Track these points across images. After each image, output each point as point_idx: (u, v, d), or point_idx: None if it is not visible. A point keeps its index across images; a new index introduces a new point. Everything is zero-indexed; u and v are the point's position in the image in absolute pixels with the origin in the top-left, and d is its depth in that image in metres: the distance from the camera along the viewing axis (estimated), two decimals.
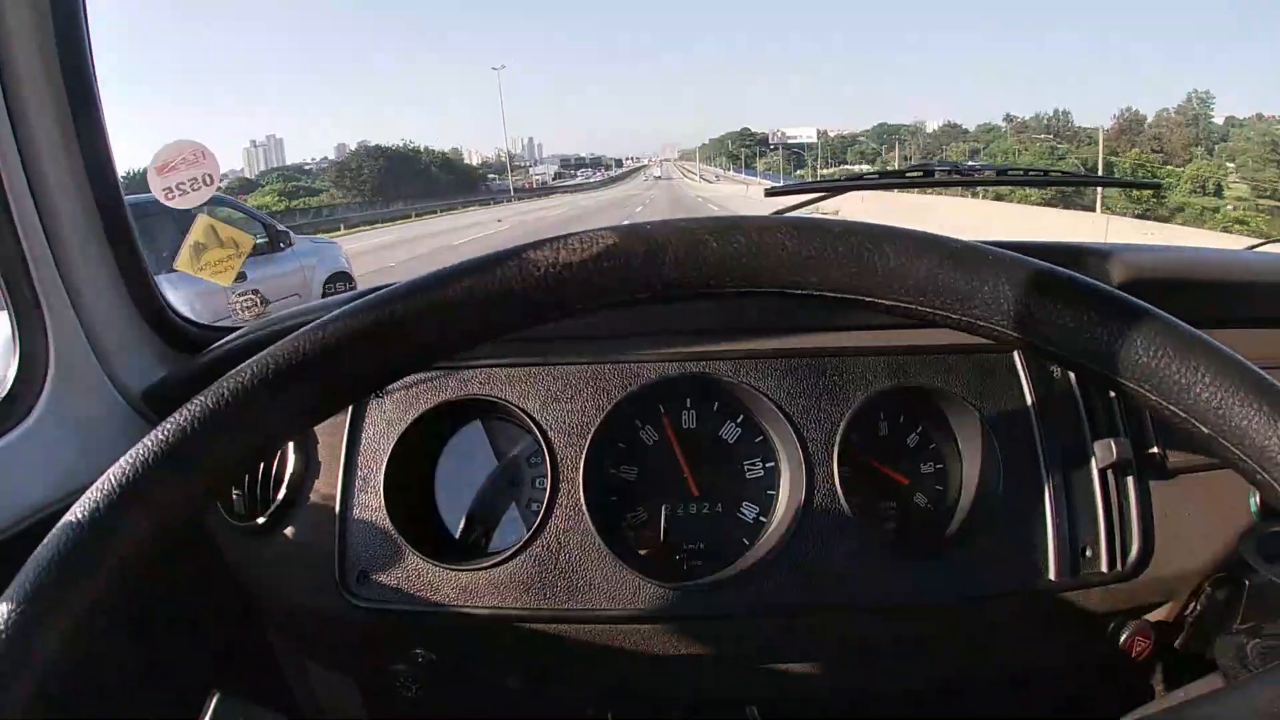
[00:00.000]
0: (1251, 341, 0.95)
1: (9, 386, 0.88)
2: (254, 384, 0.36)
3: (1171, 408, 0.35)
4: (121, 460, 0.36)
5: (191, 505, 0.38)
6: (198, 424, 0.36)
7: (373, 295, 0.38)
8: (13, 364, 0.89)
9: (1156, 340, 0.34)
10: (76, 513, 0.35)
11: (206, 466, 0.37)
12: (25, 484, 0.83)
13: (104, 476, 0.36)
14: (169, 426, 0.36)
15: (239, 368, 0.37)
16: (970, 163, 1.12)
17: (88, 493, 0.36)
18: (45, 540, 0.35)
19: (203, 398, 0.36)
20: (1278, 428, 0.33)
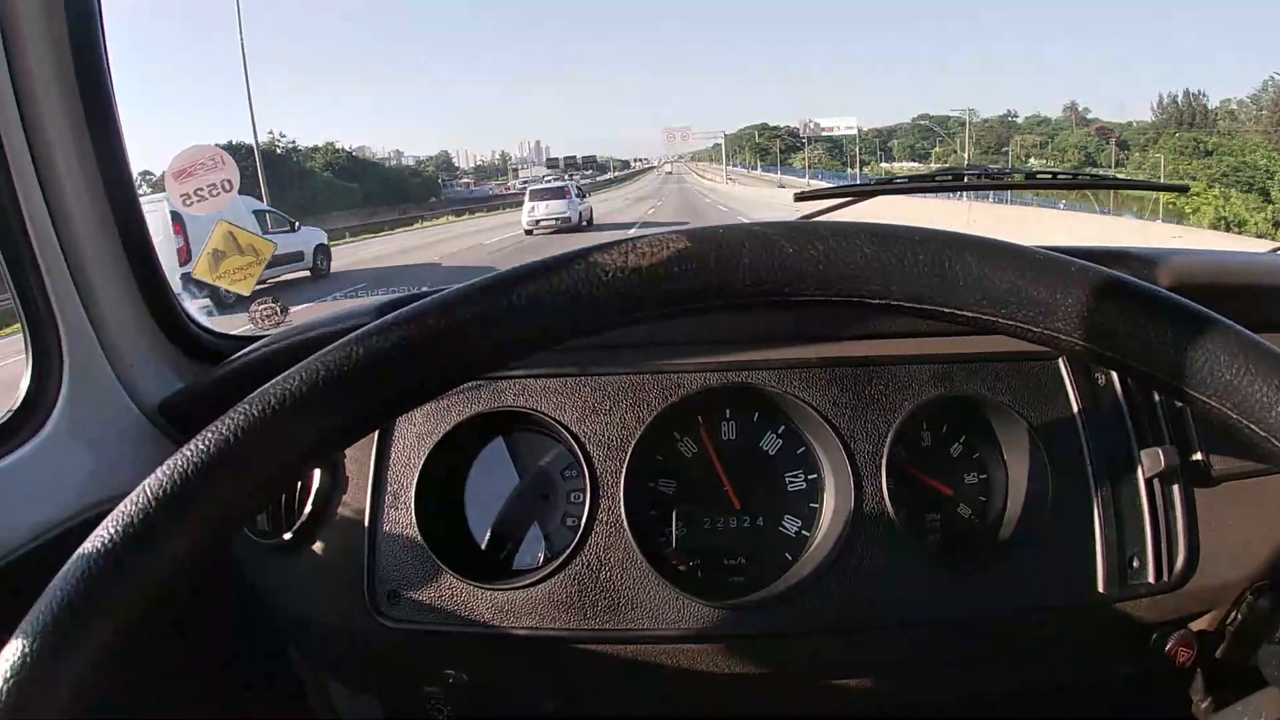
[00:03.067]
0: None
1: (22, 397, 0.86)
2: (303, 390, 0.35)
3: (1252, 425, 0.34)
4: (157, 473, 0.34)
5: (229, 523, 0.36)
6: (240, 434, 0.34)
7: (425, 301, 0.36)
8: (26, 375, 0.87)
9: (1240, 357, 0.34)
10: (108, 528, 0.33)
11: (248, 481, 0.35)
12: (41, 498, 0.81)
13: (138, 489, 0.34)
14: (210, 436, 0.34)
15: (286, 374, 0.35)
16: (995, 166, 1.12)
17: (117, 510, 0.34)
18: (70, 561, 0.33)
19: (246, 405, 0.35)
20: None
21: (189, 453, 0.34)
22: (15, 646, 0.32)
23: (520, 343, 0.36)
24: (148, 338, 0.96)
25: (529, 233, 14.14)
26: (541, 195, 15.89)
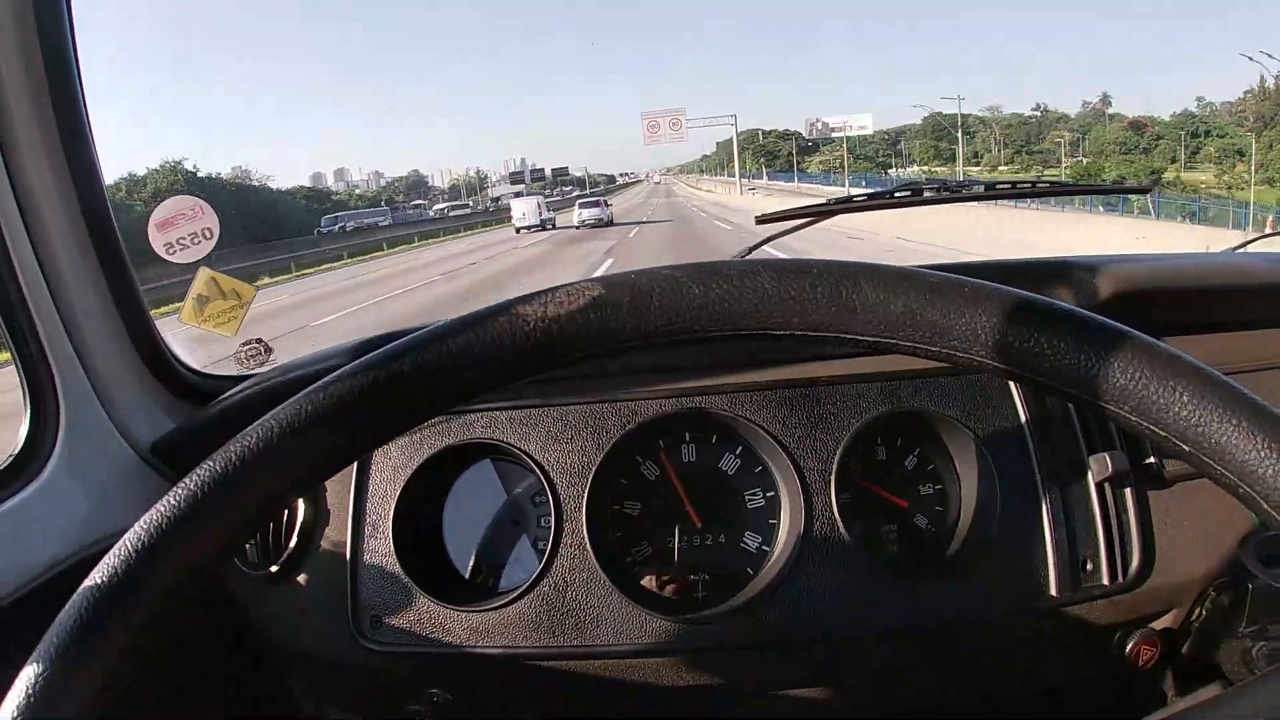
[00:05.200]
0: (1243, 344, 0.97)
1: (21, 444, 0.90)
2: (260, 446, 0.38)
3: (1152, 427, 0.35)
4: (144, 519, 0.37)
5: (213, 558, 0.39)
6: (213, 483, 0.38)
7: (369, 356, 0.39)
8: (24, 421, 0.91)
9: (1134, 361, 0.35)
10: (102, 572, 0.36)
11: (225, 521, 0.38)
12: (42, 539, 0.85)
13: (127, 535, 0.37)
14: (189, 484, 0.38)
15: (247, 430, 0.38)
16: (958, 179, 1.14)
17: (111, 551, 0.37)
18: (70, 602, 0.36)
19: (215, 459, 0.38)
20: (1256, 441, 0.33)
21: (178, 492, 0.38)
22: (26, 677, 0.34)
23: (459, 389, 0.40)
24: (138, 381, 1.00)
25: (577, 228, 22.90)
26: (585, 205, 25.95)
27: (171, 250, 0.99)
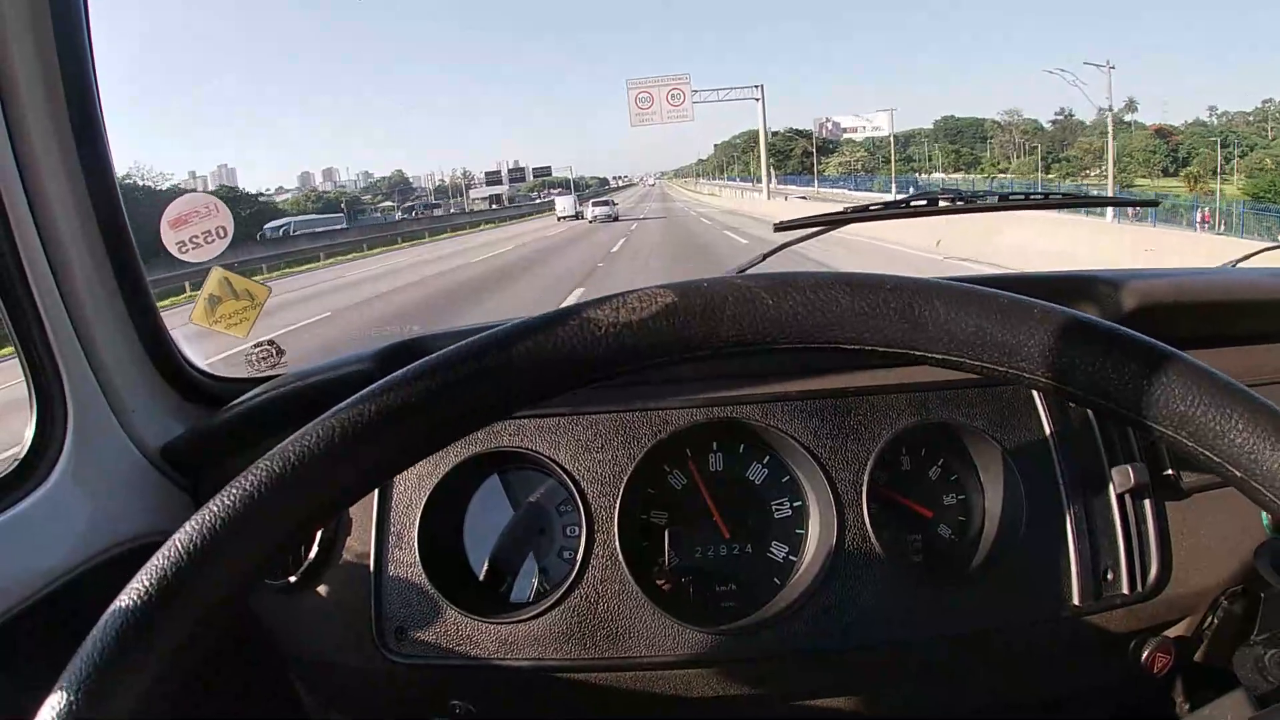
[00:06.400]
0: (1258, 357, 0.99)
1: (28, 446, 0.87)
2: (320, 447, 0.37)
3: (1206, 453, 0.36)
4: (186, 526, 0.36)
5: (260, 571, 0.38)
6: (265, 489, 0.36)
7: (435, 356, 0.38)
8: (31, 423, 0.88)
9: (1193, 389, 0.36)
10: (142, 582, 0.35)
11: (275, 532, 0.37)
12: (51, 545, 0.83)
13: (168, 543, 0.36)
14: (235, 491, 0.36)
15: (303, 430, 0.37)
16: (972, 190, 1.15)
17: (152, 560, 0.36)
18: (108, 612, 0.35)
19: (268, 461, 0.37)
20: None
21: (216, 507, 0.36)
22: (53, 703, 0.33)
23: (525, 394, 0.39)
24: (147, 383, 0.98)
25: (590, 222, 28.36)
26: (598, 204, 31.10)
27: (184, 249, 0.96)
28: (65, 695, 0.33)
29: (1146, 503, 0.90)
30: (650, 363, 0.40)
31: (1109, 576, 0.88)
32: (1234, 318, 0.99)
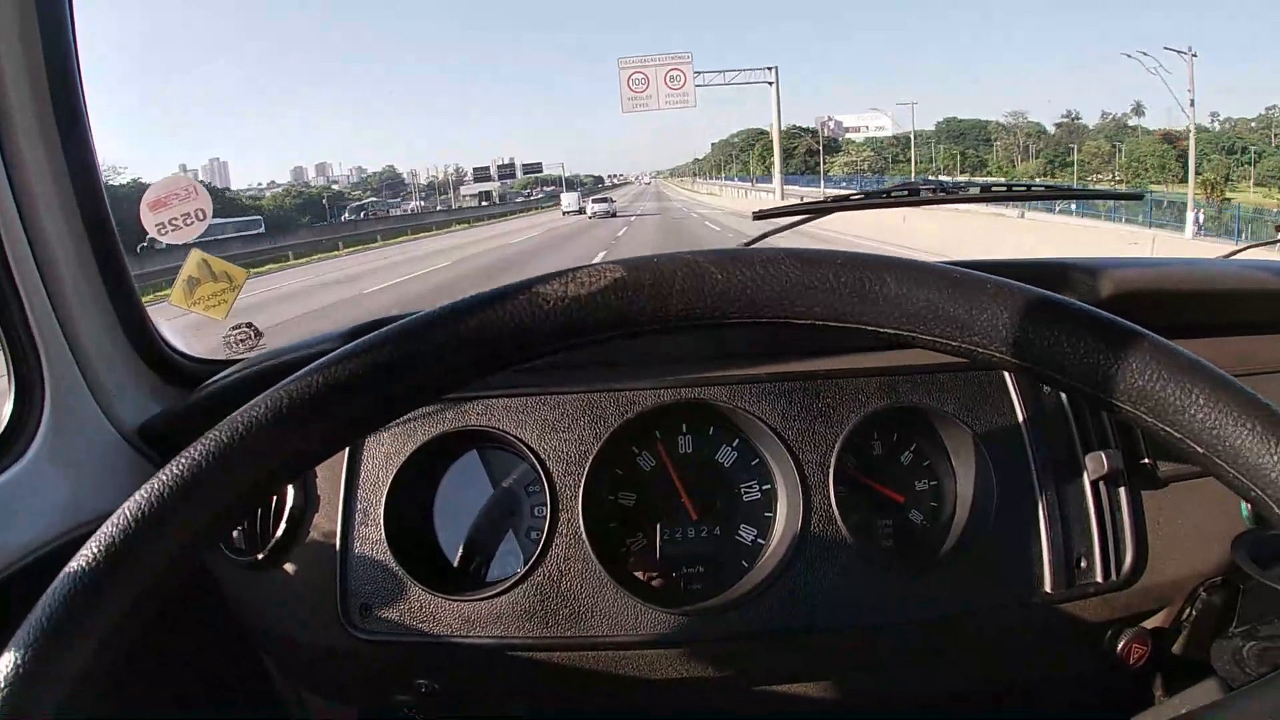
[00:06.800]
0: (1238, 347, 0.98)
1: (4, 425, 0.88)
2: (268, 418, 0.37)
3: (1167, 429, 0.36)
4: (136, 495, 0.36)
5: (206, 538, 0.38)
6: (213, 458, 0.37)
7: (384, 330, 0.39)
8: (8, 402, 0.89)
9: (1152, 364, 0.35)
10: (91, 549, 0.36)
11: (221, 500, 0.37)
12: (25, 521, 0.83)
13: (118, 512, 0.36)
14: (184, 460, 0.37)
15: (253, 401, 0.38)
16: (952, 180, 1.15)
17: (93, 537, 0.36)
18: (58, 578, 0.36)
19: (217, 432, 0.37)
20: (1270, 446, 0.34)
21: (165, 476, 0.36)
22: (7, 659, 0.34)
23: (473, 367, 0.39)
24: (125, 363, 0.98)
25: (591, 217, 30.44)
26: (597, 201, 34.03)
27: (163, 230, 0.97)
28: (15, 655, 0.34)
29: (1121, 490, 0.89)
30: (598, 337, 0.40)
31: (1082, 564, 0.87)
32: (1212, 308, 0.98)
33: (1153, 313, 0.96)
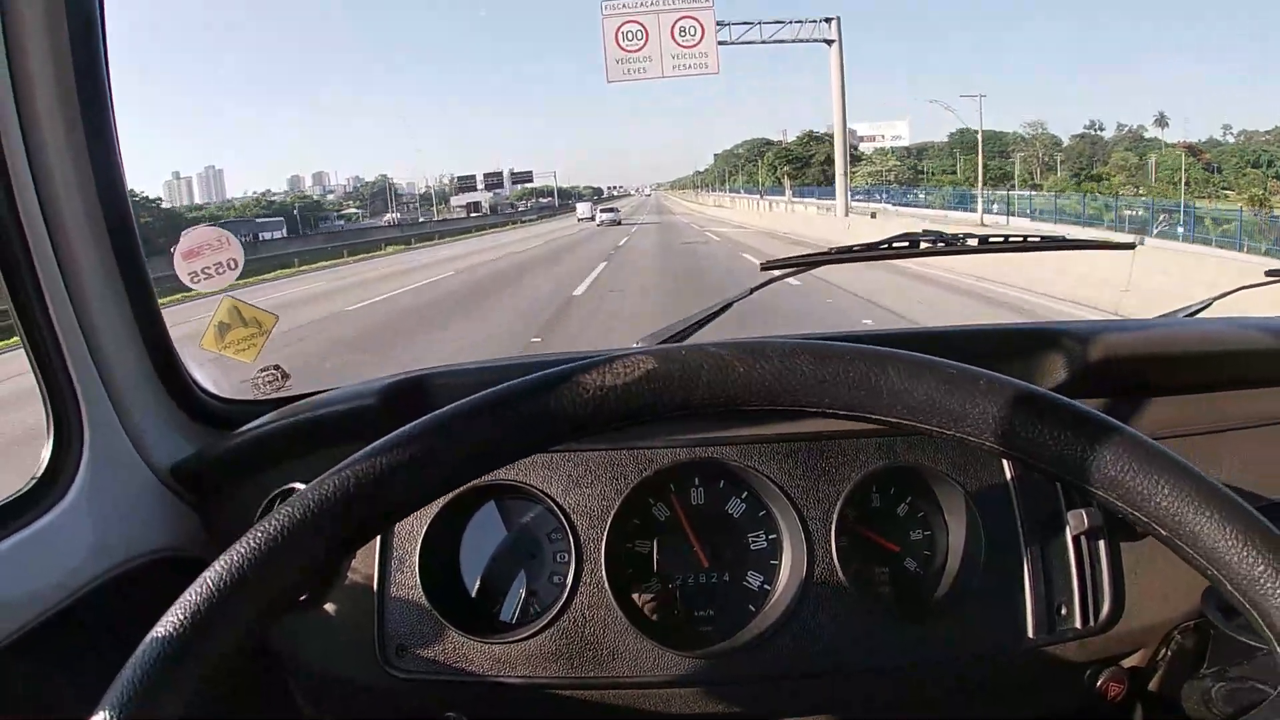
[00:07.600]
0: (1204, 406, 1.04)
1: (45, 467, 0.91)
2: (336, 495, 0.42)
3: (1135, 514, 0.41)
4: (212, 569, 0.41)
5: (281, 605, 0.42)
6: (289, 531, 0.41)
7: (441, 414, 0.44)
8: (47, 445, 0.92)
9: (1123, 456, 0.41)
10: (172, 618, 0.40)
11: (296, 569, 0.42)
12: (63, 563, 0.86)
13: (196, 584, 0.40)
14: (260, 535, 0.41)
15: (318, 481, 0.42)
16: (952, 232, 1.19)
17: (182, 597, 0.40)
18: (135, 655, 0.39)
19: (288, 507, 0.42)
20: (1226, 533, 0.40)
21: (242, 549, 0.41)
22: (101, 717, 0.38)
23: (517, 448, 0.45)
24: (158, 403, 1.02)
25: (599, 225, 32.20)
26: (605, 210, 36.80)
27: (196, 279, 1.02)
28: (108, 715, 0.38)
29: (1101, 543, 0.95)
30: (633, 422, 0.45)
31: (1063, 611, 0.93)
32: (1177, 369, 1.04)
33: (1138, 378, 1.02)
